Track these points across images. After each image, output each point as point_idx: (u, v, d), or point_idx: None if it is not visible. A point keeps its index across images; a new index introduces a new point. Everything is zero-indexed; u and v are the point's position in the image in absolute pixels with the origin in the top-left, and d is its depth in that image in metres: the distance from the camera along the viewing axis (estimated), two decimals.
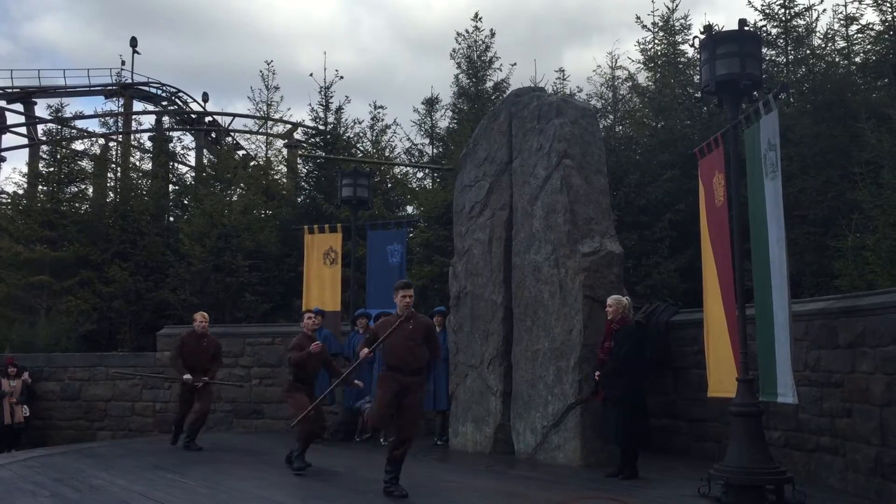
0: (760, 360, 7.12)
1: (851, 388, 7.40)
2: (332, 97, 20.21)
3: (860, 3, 14.74)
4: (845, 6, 14.90)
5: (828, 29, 15.20)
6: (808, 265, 12.42)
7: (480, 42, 18.99)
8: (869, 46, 14.81)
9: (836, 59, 14.75)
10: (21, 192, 24.19)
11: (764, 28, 14.91)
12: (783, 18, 15.01)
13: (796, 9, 14.97)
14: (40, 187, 22.93)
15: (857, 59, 14.81)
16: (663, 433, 10.16)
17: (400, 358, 7.27)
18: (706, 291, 8.22)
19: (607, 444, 8.95)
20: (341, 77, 20.48)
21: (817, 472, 7.91)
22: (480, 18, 18.93)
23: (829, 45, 15.01)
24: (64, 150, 23.15)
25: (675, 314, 10.41)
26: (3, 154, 29.56)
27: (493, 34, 19.06)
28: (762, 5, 15.02)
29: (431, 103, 19.75)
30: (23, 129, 31.11)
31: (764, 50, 13.06)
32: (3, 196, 26.68)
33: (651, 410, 9.42)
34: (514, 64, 29.46)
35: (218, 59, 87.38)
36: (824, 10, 30.88)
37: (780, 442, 8.40)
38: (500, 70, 19.15)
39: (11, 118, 31.18)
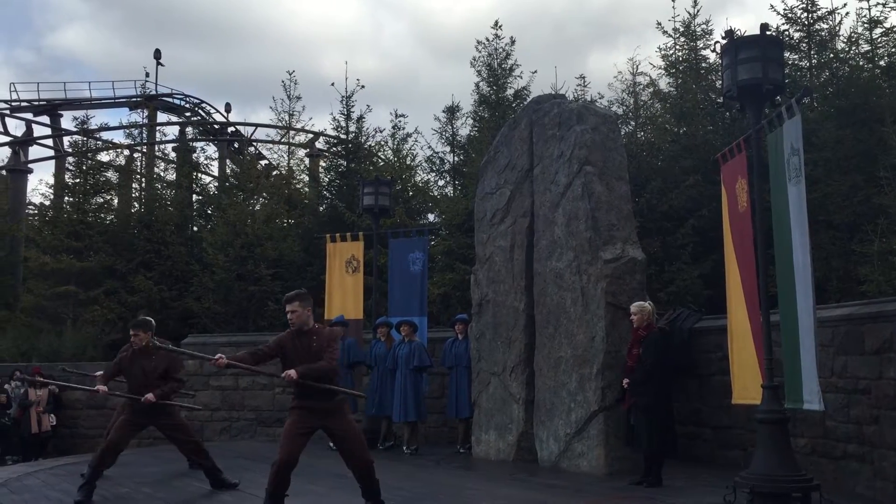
0: (786, 367, 7.05)
1: (879, 395, 7.31)
2: (353, 106, 20.33)
3: (884, 7, 14.61)
4: (869, 10, 14.78)
5: (851, 32, 15.08)
6: (834, 270, 12.29)
7: (501, 50, 19.01)
8: (893, 49, 14.65)
9: (860, 63, 14.61)
10: (48, 203, 24.59)
11: (786, 32, 14.81)
12: (806, 22, 14.90)
13: (819, 12, 14.87)
14: (67, 198, 23.25)
15: (882, 63, 14.65)
16: (688, 440, 10.08)
17: None
18: (730, 298, 8.16)
19: (631, 451, 8.90)
20: (362, 86, 20.61)
21: (844, 479, 7.81)
22: (500, 26, 18.97)
23: (853, 48, 14.87)
24: (90, 161, 23.46)
25: (698, 321, 10.34)
26: (30, 166, 29.98)
27: (513, 42, 19.09)
28: (784, 9, 14.94)
29: (452, 111, 19.80)
30: (49, 142, 31.56)
31: (786, 54, 12.98)
32: (30, 207, 27.13)
33: (676, 417, 9.36)
34: (535, 71, 29.58)
35: (241, 67, 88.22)
36: (847, 14, 30.61)
37: (806, 449, 8.31)
38: (521, 77, 19.17)
39: (38, 130, 31.67)
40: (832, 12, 14.91)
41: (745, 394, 7.83)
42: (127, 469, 9.83)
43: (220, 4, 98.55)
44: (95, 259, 20.54)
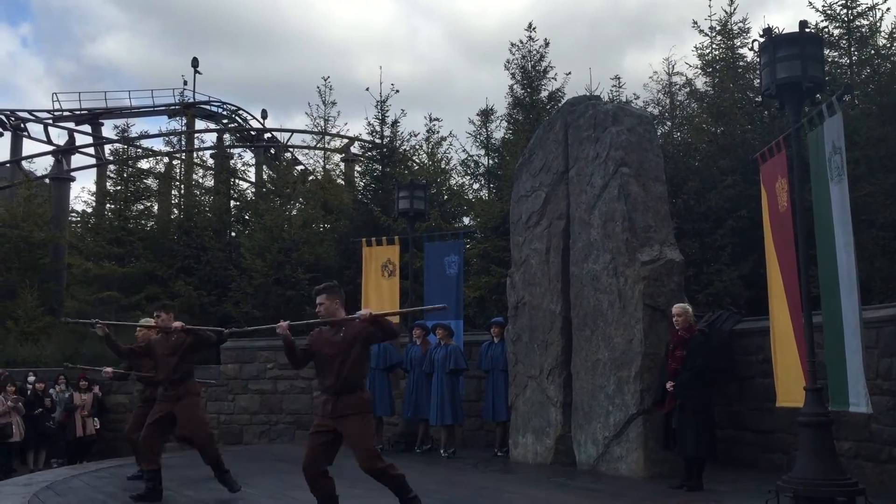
0: (830, 369, 6.93)
1: None
2: (388, 110, 20.38)
3: None
4: None
5: (892, 28, 14.81)
6: (878, 271, 12.06)
7: (535, 52, 18.96)
8: None
9: None
10: (90, 210, 25.03)
11: (826, 29, 14.59)
12: (845, 19, 14.67)
13: (859, 9, 14.63)
14: (108, 205, 23.69)
15: None
16: (728, 444, 9.94)
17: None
18: (771, 299, 8.05)
19: (670, 454, 8.80)
20: (397, 91, 20.61)
21: (891, 483, 7.65)
22: (534, 28, 18.92)
23: (895, 44, 14.60)
24: (130, 168, 23.86)
25: (738, 322, 10.21)
26: (72, 174, 30.59)
27: (547, 44, 19.02)
28: (823, 6, 14.72)
29: (486, 114, 19.80)
30: (91, 150, 32.19)
31: (826, 51, 12.77)
32: (73, 215, 27.68)
33: (716, 421, 9.24)
34: (569, 73, 29.49)
35: (277, 73, 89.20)
36: (888, 10, 30.01)
37: (850, 453, 8.16)
38: (555, 79, 19.09)
39: (80, 139, 32.31)
40: (872, 8, 14.67)
41: (789, 397, 7.71)
42: (170, 472, 9.96)
43: (257, 12, 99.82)
44: (136, 265, 20.88)
